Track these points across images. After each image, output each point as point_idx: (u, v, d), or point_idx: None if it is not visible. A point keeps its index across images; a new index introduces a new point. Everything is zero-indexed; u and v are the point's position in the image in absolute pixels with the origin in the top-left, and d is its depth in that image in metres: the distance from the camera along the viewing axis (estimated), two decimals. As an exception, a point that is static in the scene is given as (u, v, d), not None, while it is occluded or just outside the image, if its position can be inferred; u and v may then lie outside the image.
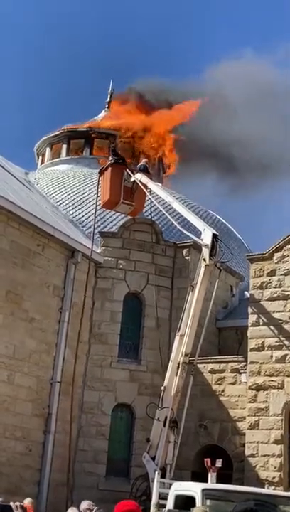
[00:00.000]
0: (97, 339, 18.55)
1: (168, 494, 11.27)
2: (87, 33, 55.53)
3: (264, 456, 15.76)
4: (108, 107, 30.16)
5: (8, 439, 15.69)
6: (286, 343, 16.24)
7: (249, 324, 16.97)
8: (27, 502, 12.15)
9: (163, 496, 11.91)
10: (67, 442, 17.10)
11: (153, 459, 14.31)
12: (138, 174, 18.05)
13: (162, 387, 14.62)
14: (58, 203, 21.90)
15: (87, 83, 52.63)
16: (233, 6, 58.10)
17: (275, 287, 16.85)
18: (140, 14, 55.57)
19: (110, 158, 18.78)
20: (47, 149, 28.32)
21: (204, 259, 14.40)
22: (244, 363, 17.05)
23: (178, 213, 17.22)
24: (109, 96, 30.38)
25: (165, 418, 14.23)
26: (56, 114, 50.95)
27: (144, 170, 18.53)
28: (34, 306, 16.77)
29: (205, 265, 14.34)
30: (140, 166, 18.94)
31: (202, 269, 14.41)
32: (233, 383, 17.31)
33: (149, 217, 19.59)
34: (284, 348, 16.24)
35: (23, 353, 16.28)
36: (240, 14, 57.44)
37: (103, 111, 30.10)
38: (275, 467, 15.56)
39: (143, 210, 19.53)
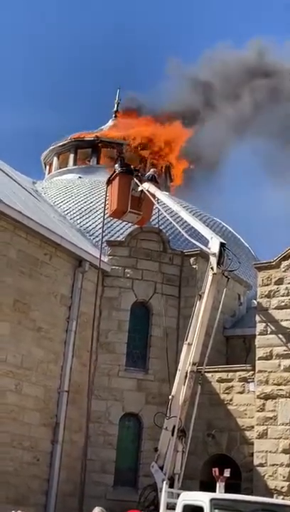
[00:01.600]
0: (104, 348, 18.53)
1: (176, 504, 11.22)
2: (94, 39, 55.79)
3: (273, 465, 15.66)
4: (115, 116, 30.28)
5: (15, 448, 15.66)
6: (295, 351, 16.18)
7: (257, 333, 16.91)
8: None
9: (171, 506, 11.86)
10: (75, 452, 17.05)
11: (161, 468, 14.25)
12: (146, 183, 18.07)
13: (170, 397, 14.58)
14: (65, 212, 21.94)
15: (95, 92, 52.87)
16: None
17: (283, 296, 16.79)
18: (149, 23, 55.88)
19: (116, 167, 18.78)
20: (55, 158, 28.41)
21: (211, 268, 14.37)
22: (252, 372, 16.98)
23: (186, 222, 17.22)
24: (116, 105, 30.50)
25: (173, 427, 14.17)
26: (63, 123, 51.18)
27: (152, 179, 18.55)
28: (41, 315, 16.78)
29: (213, 274, 14.32)
30: (148, 175, 18.97)
31: (210, 278, 14.39)
32: (241, 392, 17.24)
33: (156, 225, 19.60)
34: (292, 356, 16.17)
35: (30, 363, 16.27)
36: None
37: (110, 120, 30.20)
38: (284, 476, 15.47)
39: (151, 219, 19.55)
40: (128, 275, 19.30)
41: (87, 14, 56.97)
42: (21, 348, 16.07)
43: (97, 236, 20.38)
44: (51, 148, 28.64)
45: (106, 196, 19.37)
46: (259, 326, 16.92)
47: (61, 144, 28.25)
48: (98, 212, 21.23)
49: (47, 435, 16.62)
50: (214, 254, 14.37)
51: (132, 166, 18.99)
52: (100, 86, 51.88)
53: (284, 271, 17.02)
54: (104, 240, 19.26)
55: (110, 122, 29.94)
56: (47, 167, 29.08)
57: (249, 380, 17.11)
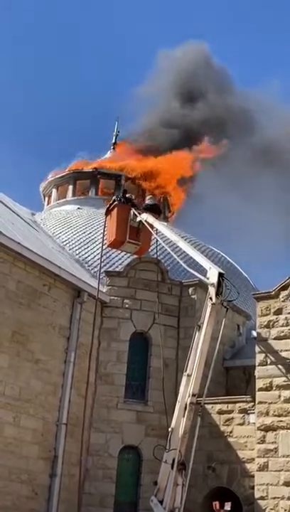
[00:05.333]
0: (103, 380, 18.40)
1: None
2: (92, 72, 56.70)
3: (274, 498, 15.44)
4: (113, 148, 30.55)
5: (13, 482, 15.46)
6: (295, 382, 16.06)
7: (257, 364, 16.82)
8: None
9: None
10: (73, 486, 16.82)
11: (161, 502, 13.99)
12: (144, 214, 18.10)
13: (169, 429, 14.42)
14: (64, 243, 21.99)
15: (93, 124, 53.43)
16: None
17: (282, 326, 16.74)
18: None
19: (115, 198, 18.85)
20: (54, 190, 28.60)
21: (210, 298, 14.30)
22: (252, 403, 16.85)
23: (184, 252, 17.23)
24: (114, 137, 30.81)
25: (173, 460, 13.98)
26: (62, 154, 51.63)
27: (153, 209, 18.60)
28: (40, 346, 16.70)
29: (212, 304, 14.23)
30: (147, 204, 19.02)
31: (209, 308, 14.31)
32: (241, 424, 17.09)
33: (155, 256, 19.61)
34: (293, 387, 16.05)
35: (28, 395, 16.14)
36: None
37: (109, 152, 30.46)
38: (285, 510, 15.23)
39: (149, 249, 19.56)
40: (126, 306, 19.27)
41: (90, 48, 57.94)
42: (19, 380, 15.96)
43: (95, 266, 20.38)
44: (50, 179, 28.85)
45: (104, 227, 19.41)
46: (259, 357, 16.83)
47: (60, 175, 28.48)
48: (97, 243, 21.27)
49: (46, 468, 16.42)
50: (212, 285, 14.31)
51: (129, 196, 19.05)
52: (99, 117, 52.50)
53: (283, 301, 16.99)
54: (102, 270, 19.25)
55: (108, 154, 30.20)
56: (47, 198, 29.24)
57: (249, 412, 16.97)
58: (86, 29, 59.01)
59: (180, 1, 58.70)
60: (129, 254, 19.82)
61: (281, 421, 15.90)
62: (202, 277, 15.25)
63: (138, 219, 18.12)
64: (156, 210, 18.58)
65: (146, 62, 57.38)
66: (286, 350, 16.43)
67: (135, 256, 19.45)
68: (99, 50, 59.38)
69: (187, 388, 14.28)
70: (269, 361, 16.60)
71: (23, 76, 59.13)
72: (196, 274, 15.77)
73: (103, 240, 19.28)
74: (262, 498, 15.59)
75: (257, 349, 16.96)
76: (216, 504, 11.90)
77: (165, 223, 22.26)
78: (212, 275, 14.50)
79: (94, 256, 21.01)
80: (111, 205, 18.84)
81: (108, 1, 58.22)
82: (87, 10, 58.36)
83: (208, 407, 17.05)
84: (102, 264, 19.26)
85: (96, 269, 20.06)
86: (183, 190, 29.59)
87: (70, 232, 22.76)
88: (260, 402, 16.37)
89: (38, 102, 59.22)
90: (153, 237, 18.63)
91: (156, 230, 17.84)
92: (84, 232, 22.55)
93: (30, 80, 59.65)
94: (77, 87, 58.62)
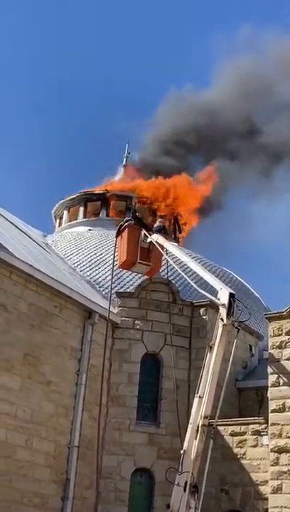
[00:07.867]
0: (114, 402, 18.32)
1: None
2: (103, 95, 57.24)
3: (288, 522, 15.24)
4: (124, 170, 30.74)
5: (26, 505, 15.37)
6: (308, 403, 15.91)
7: (269, 385, 16.68)
8: None
9: None
10: (86, 509, 16.69)
11: (174, 526, 13.87)
12: (155, 235, 18.15)
13: (181, 451, 14.30)
14: (75, 265, 22.05)
15: (104, 146, 53.80)
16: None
17: (294, 346, 16.63)
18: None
19: (126, 220, 18.93)
20: (65, 212, 28.75)
21: (221, 319, 14.25)
22: (265, 425, 16.69)
23: (195, 272, 17.22)
24: (124, 159, 31.02)
25: (186, 483, 13.84)
26: (73, 176, 52.00)
27: (161, 231, 18.64)
28: (51, 368, 16.68)
29: (223, 325, 14.17)
30: (157, 226, 19.06)
31: (220, 329, 14.24)
32: (254, 446, 16.92)
33: (166, 276, 19.62)
34: (306, 408, 15.90)
35: (40, 417, 16.10)
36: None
37: (119, 173, 30.64)
38: (300, 534, 15.04)
39: (160, 270, 19.57)
40: (138, 326, 19.24)
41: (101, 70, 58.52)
42: (31, 402, 15.93)
43: (106, 288, 20.38)
44: (61, 202, 29.02)
45: (115, 248, 19.46)
46: (271, 378, 16.70)
47: (71, 197, 28.64)
48: (108, 264, 21.31)
49: (58, 492, 16.33)
50: (223, 305, 14.26)
51: (139, 215, 19.11)
52: (110, 140, 52.87)
53: (295, 321, 16.88)
54: (113, 291, 19.26)
55: (119, 175, 30.37)
56: (58, 220, 29.39)
57: (262, 434, 16.81)
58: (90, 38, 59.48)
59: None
60: (139, 275, 19.84)
61: (294, 443, 15.73)
62: (213, 298, 15.21)
63: (148, 240, 18.18)
64: (162, 230, 18.63)
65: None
66: (299, 371, 16.31)
67: (146, 277, 19.48)
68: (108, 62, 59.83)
69: (199, 410, 14.17)
70: (281, 382, 16.47)
71: (35, 99, 59.70)
72: (207, 294, 15.72)
73: (114, 261, 19.33)
74: (276, 521, 15.39)
75: (270, 370, 16.84)
76: (229, 528, 11.80)
77: (176, 244, 22.29)
78: (223, 296, 14.46)
79: (106, 277, 21.03)
80: (121, 226, 18.93)
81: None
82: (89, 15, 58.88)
83: (221, 428, 16.93)
84: (113, 285, 19.27)
85: (107, 290, 20.07)
86: (194, 211, 29.69)
87: (81, 253, 22.83)
88: (273, 424, 16.22)
89: (48, 124, 59.71)
90: (163, 258, 18.66)
91: (167, 250, 17.88)
92: (95, 254, 22.61)
93: (42, 102, 60.19)
94: (88, 109, 59.11)
